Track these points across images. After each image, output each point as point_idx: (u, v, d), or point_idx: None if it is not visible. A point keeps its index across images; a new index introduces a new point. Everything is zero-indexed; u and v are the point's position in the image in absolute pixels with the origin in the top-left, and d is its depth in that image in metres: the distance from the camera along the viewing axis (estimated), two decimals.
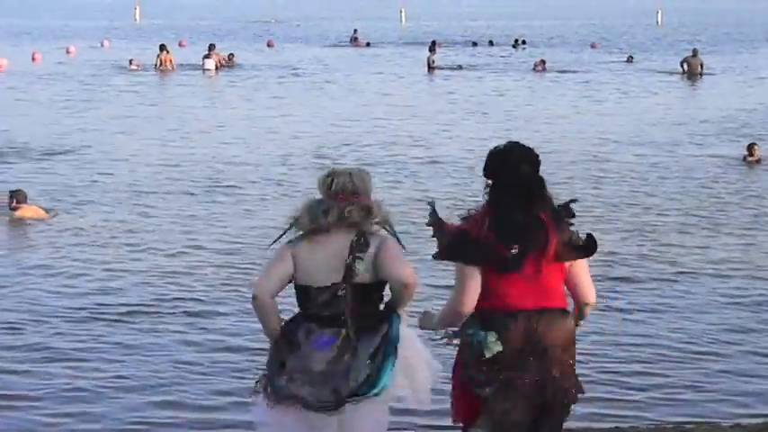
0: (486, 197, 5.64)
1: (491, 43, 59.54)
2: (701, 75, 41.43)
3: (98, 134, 25.10)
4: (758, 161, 21.27)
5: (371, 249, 5.62)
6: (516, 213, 5.54)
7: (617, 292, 12.49)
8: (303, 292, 5.70)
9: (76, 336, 10.74)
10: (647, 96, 34.60)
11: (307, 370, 5.57)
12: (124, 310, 11.55)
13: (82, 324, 11.11)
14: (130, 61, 42.49)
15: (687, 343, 10.80)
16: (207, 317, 11.32)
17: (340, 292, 5.60)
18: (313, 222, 5.66)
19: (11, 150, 22.33)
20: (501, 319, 5.50)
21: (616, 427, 8.63)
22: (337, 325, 5.61)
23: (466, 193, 18.03)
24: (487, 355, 5.48)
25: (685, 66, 42.10)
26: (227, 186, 18.81)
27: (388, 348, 5.57)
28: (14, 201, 16.14)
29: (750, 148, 21.64)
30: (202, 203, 17.40)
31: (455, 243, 5.56)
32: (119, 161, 21.47)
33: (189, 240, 14.83)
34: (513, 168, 5.59)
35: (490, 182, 5.65)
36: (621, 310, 11.79)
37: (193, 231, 15.42)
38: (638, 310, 11.83)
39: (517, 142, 5.74)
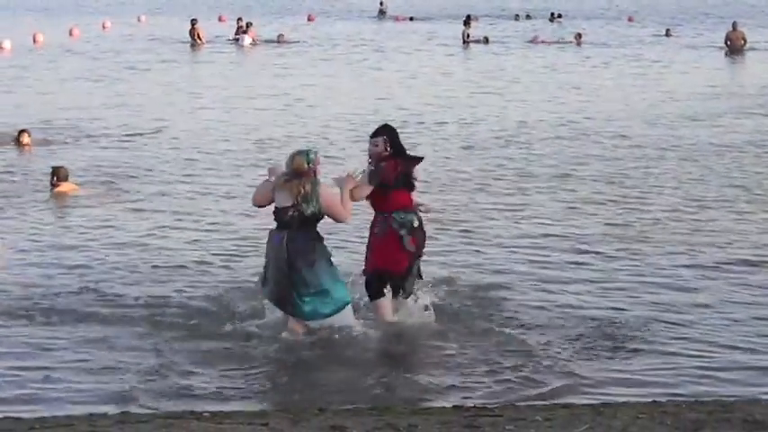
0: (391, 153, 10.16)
1: (528, 17, 59.42)
2: (743, 49, 40.19)
3: (145, 111, 25.18)
4: None
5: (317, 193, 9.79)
6: (406, 160, 10.30)
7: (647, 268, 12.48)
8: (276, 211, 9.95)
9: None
10: (685, 72, 34.29)
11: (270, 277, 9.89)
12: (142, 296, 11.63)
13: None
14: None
15: (728, 318, 10.75)
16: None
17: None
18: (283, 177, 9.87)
19: (62, 129, 22.21)
20: (413, 212, 10.26)
21: (654, 401, 8.60)
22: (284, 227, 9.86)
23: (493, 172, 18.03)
24: (415, 225, 10.22)
25: (728, 41, 40.71)
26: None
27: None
28: (55, 177, 16.23)
29: None
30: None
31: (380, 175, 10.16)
32: (165, 138, 21.55)
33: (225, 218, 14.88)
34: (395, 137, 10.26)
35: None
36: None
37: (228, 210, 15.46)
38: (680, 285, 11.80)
39: (387, 124, 10.52)
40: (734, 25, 41.95)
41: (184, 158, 19.12)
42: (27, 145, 20.01)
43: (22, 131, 20.27)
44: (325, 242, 9.96)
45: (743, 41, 40.64)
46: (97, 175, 17.57)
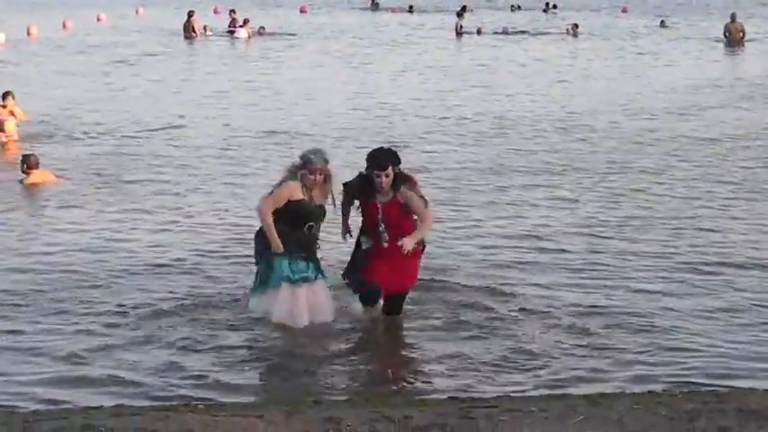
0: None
1: (518, 7, 59.61)
2: (742, 41, 39.73)
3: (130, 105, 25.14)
4: None
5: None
6: None
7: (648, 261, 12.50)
8: None
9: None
10: (676, 64, 34.27)
11: None
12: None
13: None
14: (205, 27, 43.46)
15: (722, 308, 10.76)
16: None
17: None
18: None
19: (52, 123, 22.05)
20: None
21: (650, 391, 8.60)
22: None
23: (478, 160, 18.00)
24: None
25: (727, 33, 40.21)
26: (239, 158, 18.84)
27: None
28: (25, 166, 16.22)
29: None
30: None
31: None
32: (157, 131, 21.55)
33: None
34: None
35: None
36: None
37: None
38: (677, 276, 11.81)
39: (386, 150, 9.98)
40: (732, 17, 41.37)
41: (171, 154, 18.97)
42: (10, 114, 19.59)
43: (5, 93, 19.94)
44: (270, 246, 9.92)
45: (742, 34, 40.18)
46: (83, 168, 17.47)
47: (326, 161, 9.94)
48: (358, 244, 10.06)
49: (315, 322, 10.00)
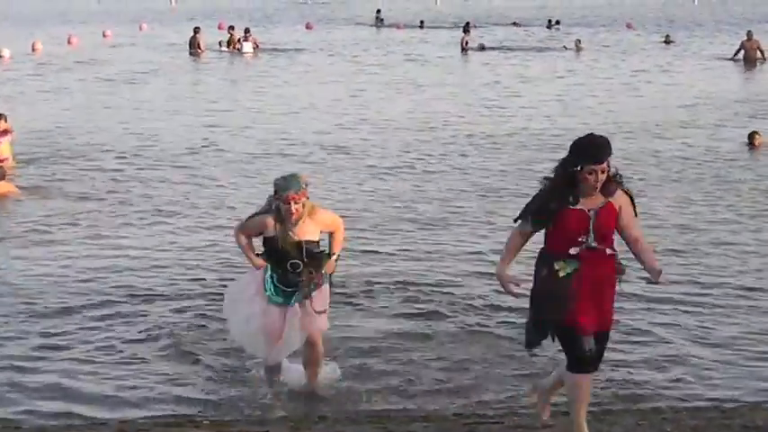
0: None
1: (515, 23, 59.94)
2: (761, 59, 38.26)
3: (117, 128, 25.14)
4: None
5: None
6: None
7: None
8: None
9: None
10: (679, 81, 34.16)
11: None
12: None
13: None
14: (220, 43, 43.92)
15: (727, 325, 10.76)
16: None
17: None
18: None
19: (47, 139, 22.08)
20: None
21: (654, 408, 8.60)
22: None
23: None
24: None
25: (742, 51, 38.51)
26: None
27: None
28: None
29: (751, 137, 21.22)
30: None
31: None
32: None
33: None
34: None
35: None
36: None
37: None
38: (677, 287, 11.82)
39: (592, 133, 7.31)
40: (749, 34, 39.58)
41: (167, 174, 18.73)
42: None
43: None
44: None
45: (758, 52, 38.41)
46: (76, 187, 17.40)
47: (301, 187, 8.41)
48: (540, 276, 7.50)
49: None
